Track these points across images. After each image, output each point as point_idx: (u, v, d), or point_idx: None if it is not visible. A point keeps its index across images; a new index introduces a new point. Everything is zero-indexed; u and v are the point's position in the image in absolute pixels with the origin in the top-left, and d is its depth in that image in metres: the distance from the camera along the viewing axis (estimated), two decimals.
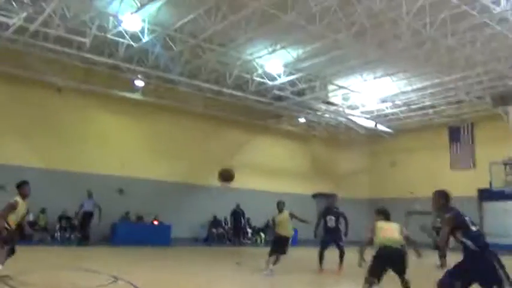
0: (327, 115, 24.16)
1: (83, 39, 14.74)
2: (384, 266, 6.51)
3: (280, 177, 25.92)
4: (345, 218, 11.36)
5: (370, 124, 23.74)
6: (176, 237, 19.57)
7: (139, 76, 18.72)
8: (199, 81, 18.79)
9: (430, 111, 22.91)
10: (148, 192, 20.13)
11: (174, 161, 21.72)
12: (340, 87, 19.92)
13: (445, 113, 23.04)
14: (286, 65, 17.84)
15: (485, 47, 15.19)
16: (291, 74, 18.66)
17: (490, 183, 19.82)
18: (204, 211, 22.52)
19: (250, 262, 12.70)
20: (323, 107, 22.77)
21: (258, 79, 19.17)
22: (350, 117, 23.40)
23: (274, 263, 10.07)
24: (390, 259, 6.53)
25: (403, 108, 22.96)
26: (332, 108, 22.82)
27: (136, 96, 20.08)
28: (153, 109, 21.06)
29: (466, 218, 5.51)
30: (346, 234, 11.15)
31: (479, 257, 5.20)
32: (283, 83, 19.44)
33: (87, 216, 17.05)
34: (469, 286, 5.25)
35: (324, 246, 11.18)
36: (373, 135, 25.91)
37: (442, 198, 5.88)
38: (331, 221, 11.20)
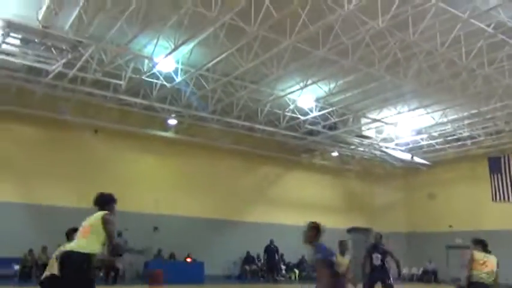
0: (360, 148, 23.79)
1: (119, 82, 15.11)
2: None
3: (314, 212, 25.15)
4: (392, 256, 10.45)
5: (406, 156, 23.20)
6: (209, 274, 19.31)
7: (172, 115, 18.98)
8: (231, 118, 18.89)
9: (468, 142, 22.26)
10: (181, 229, 20.05)
11: (207, 197, 21.68)
12: (374, 120, 19.63)
13: (483, 143, 22.34)
14: (318, 100, 17.80)
15: None
16: (323, 108, 18.57)
17: None
18: (237, 247, 22.24)
19: None
20: (356, 140, 22.46)
21: (290, 114, 19.14)
22: (385, 149, 22.93)
23: None
24: None
25: (439, 140, 22.41)
26: (366, 141, 22.47)
27: (170, 134, 20.34)
28: (185, 147, 21.22)
29: None
30: (399, 274, 10.26)
31: None
32: (315, 117, 19.32)
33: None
34: None
35: (370, 285, 10.35)
36: (408, 167, 25.28)
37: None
38: (377, 259, 10.35)
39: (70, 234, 6.64)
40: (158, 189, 20.40)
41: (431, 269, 25.23)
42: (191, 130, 20.50)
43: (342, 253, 9.37)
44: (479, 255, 6.71)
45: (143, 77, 15.45)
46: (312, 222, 6.23)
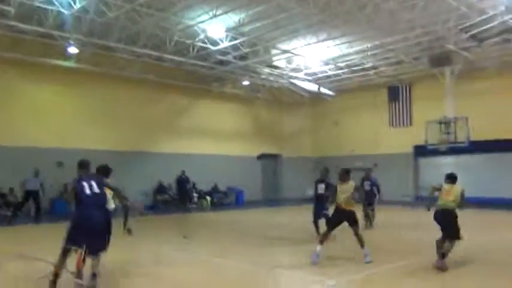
0: (270, 78, 24.06)
1: (6, 8, 13.46)
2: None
3: (226, 140, 25.88)
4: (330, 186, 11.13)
5: (313, 87, 23.90)
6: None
7: (71, 42, 17.51)
8: (137, 47, 17.91)
9: (371, 72, 23.36)
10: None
11: (114, 129, 21.01)
12: (284, 51, 19.73)
13: (384, 73, 23.60)
14: (228, 30, 17.34)
15: (424, 11, 15.43)
16: (233, 38, 18.21)
17: (426, 141, 20.73)
18: (149, 178, 22.20)
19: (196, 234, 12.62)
20: (267, 70, 22.62)
21: (200, 44, 18.58)
22: (293, 80, 23.40)
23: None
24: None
25: (345, 70, 23.24)
26: (276, 71, 22.72)
27: (71, 64, 18.92)
28: (89, 77, 19.97)
29: None
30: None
31: None
32: (226, 48, 18.96)
33: (32, 194, 15.97)
34: None
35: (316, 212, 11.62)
36: (316, 97, 26.17)
37: None
38: (321, 189, 11.55)
39: None
40: (60, 123, 19.32)
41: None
42: (95, 59, 19.22)
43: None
44: (446, 186, 8.20)
45: (36, 3, 13.86)
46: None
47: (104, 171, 7.51)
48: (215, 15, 15.48)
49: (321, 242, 8.16)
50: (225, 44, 18.37)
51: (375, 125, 26.09)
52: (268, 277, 7.15)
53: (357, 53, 20.66)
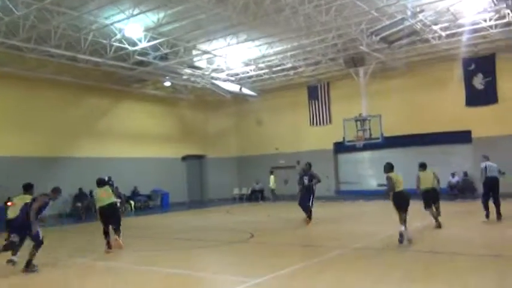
0: (192, 79, 23.92)
1: None
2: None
3: (148, 142, 25.35)
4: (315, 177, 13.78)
5: (235, 88, 24.08)
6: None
7: None
8: (49, 46, 17.00)
9: (291, 72, 23.99)
10: (2, 171, 18.12)
11: (28, 134, 19.84)
12: (205, 51, 19.70)
13: (304, 73, 24.33)
14: (147, 30, 16.99)
15: (338, 14, 16.12)
16: (153, 38, 17.87)
17: (344, 138, 21.69)
18: (68, 185, 21.07)
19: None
20: (188, 71, 22.47)
21: (117, 44, 18.02)
22: (215, 81, 23.44)
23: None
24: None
25: (266, 70, 23.67)
26: (197, 72, 22.63)
27: None
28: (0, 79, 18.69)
29: None
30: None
31: None
32: (145, 48, 18.55)
33: None
34: None
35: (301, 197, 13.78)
36: (240, 96, 26.39)
37: None
38: (306, 180, 13.64)
39: None
40: None
41: (258, 188, 27.59)
42: (3, 59, 17.98)
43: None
44: (422, 174, 11.26)
45: None
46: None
47: (24, 188, 8.81)
48: (132, 15, 15.09)
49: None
50: (143, 44, 17.97)
51: (296, 123, 26.83)
52: (195, 282, 7.11)
53: (276, 53, 21.12)
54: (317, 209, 15.61)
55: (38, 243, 8.08)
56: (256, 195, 27.33)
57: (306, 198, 13.59)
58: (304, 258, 8.25)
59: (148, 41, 17.85)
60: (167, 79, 23.73)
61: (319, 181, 13.82)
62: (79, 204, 21.27)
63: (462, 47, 20.24)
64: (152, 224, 16.91)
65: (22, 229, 8.03)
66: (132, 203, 23.22)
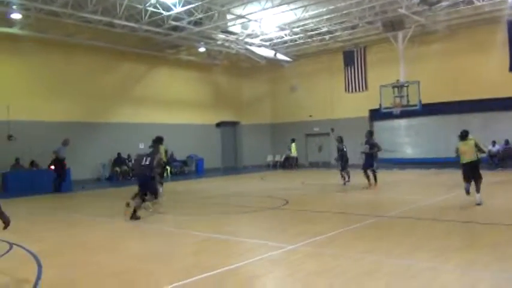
0: (226, 44, 23.73)
1: None
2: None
3: (183, 109, 25.60)
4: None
5: (270, 54, 23.78)
6: (77, 179, 18.76)
7: (14, 7, 16.59)
8: (86, 12, 17.15)
9: (327, 36, 23.42)
10: (41, 136, 18.76)
11: (66, 100, 20.39)
12: (239, 16, 19.42)
13: (340, 38, 23.72)
14: None
15: None
16: (187, 3, 17.73)
17: (380, 105, 21.19)
18: (106, 150, 21.79)
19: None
20: (222, 36, 22.27)
21: (152, 9, 18.00)
22: (249, 47, 23.16)
23: None
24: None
25: (300, 35, 23.20)
26: (231, 37, 22.40)
27: (15, 30, 17.97)
28: (37, 45, 19.11)
29: None
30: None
31: None
32: (179, 13, 18.46)
33: None
34: None
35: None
36: (274, 62, 26.09)
37: None
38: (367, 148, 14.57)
39: None
40: (8, 94, 18.44)
41: (292, 155, 27.51)
42: (41, 25, 18.32)
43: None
44: (462, 145, 10.14)
45: None
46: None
47: None
48: None
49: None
50: (178, 9, 17.88)
51: (332, 90, 26.39)
52: (232, 246, 7.25)
53: (312, 17, 20.61)
54: (352, 177, 15.56)
55: None
56: (290, 162, 27.33)
57: (367, 164, 14.46)
58: (339, 225, 8.23)
59: (183, 6, 17.75)
60: (201, 45, 23.66)
61: (379, 150, 14.70)
62: (117, 169, 21.93)
63: (507, 9, 19.18)
64: (189, 190, 17.25)
65: None
66: (168, 168, 23.67)
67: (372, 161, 14.42)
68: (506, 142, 20.62)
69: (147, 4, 17.59)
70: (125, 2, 17.02)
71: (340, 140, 15.99)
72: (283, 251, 6.44)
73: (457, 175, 10.66)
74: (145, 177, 10.09)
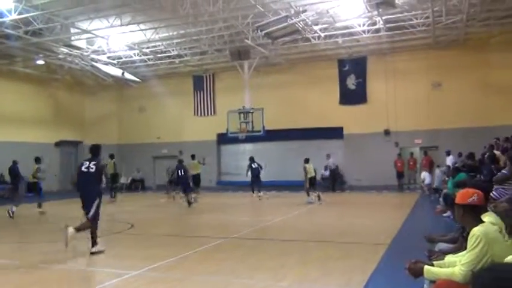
0: (69, 59, 22.29)
1: None
2: None
3: (17, 125, 23.11)
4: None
5: (117, 72, 22.99)
6: None
7: None
8: None
9: (177, 60, 23.59)
10: None
11: None
12: (84, 30, 18.44)
13: (190, 62, 24.10)
14: (19, 0, 15.39)
15: (226, 5, 16.19)
16: (25, 11, 16.22)
17: (227, 129, 21.94)
18: None
19: None
20: (65, 50, 20.88)
21: None
22: (95, 63, 22.12)
23: None
24: None
25: (150, 56, 22.98)
26: (75, 52, 21.14)
27: None
28: None
29: None
30: None
31: None
32: (15, 21, 16.79)
33: None
34: None
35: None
36: (121, 81, 25.26)
37: None
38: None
39: None
40: None
41: (139, 177, 26.83)
42: None
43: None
44: (308, 165, 16.29)
45: None
46: None
47: None
48: None
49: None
50: (13, 17, 16.23)
51: (181, 112, 26.52)
52: (65, 276, 6.64)
53: (162, 40, 20.58)
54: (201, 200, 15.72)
55: None
56: (137, 185, 26.54)
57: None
58: (185, 248, 8.20)
59: (20, 14, 16.18)
60: (40, 57, 21.81)
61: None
62: None
63: (338, 48, 21.78)
64: (29, 214, 15.50)
65: None
66: None
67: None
68: (336, 167, 23.00)
69: None
70: None
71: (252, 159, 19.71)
72: (123, 279, 6.15)
73: (297, 197, 11.50)
74: None
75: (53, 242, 8.77)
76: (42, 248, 9.02)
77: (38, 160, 15.71)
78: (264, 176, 20.31)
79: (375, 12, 17.15)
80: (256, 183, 19.54)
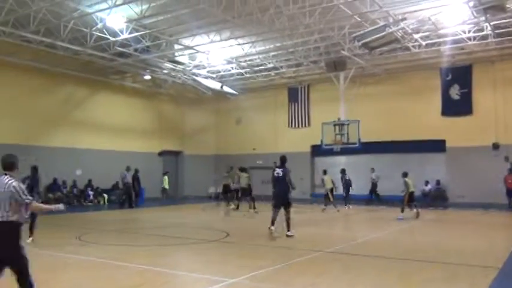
0: (173, 74, 23.69)
1: None
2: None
3: (125, 136, 24.98)
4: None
5: (216, 86, 23.97)
6: None
7: None
8: (27, 32, 16.57)
9: (272, 72, 24.00)
10: None
11: (2, 121, 19.28)
12: (187, 47, 19.52)
13: (285, 74, 24.39)
14: (129, 21, 16.74)
15: (322, 17, 16.18)
16: (134, 30, 17.61)
17: (321, 141, 21.74)
18: (43, 174, 20.59)
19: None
20: (169, 65, 22.25)
21: (98, 33, 17.70)
22: (196, 77, 23.27)
23: None
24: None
25: (247, 69, 23.64)
26: (178, 67, 22.43)
27: None
28: None
29: None
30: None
31: None
32: (126, 39, 18.27)
33: None
34: None
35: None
36: (219, 94, 26.26)
37: None
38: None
39: None
40: None
41: (234, 188, 27.40)
42: None
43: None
44: (408, 179, 15.47)
45: None
46: None
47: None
48: (115, 5, 14.86)
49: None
50: (125, 36, 17.70)
51: (275, 124, 26.86)
52: (169, 280, 6.99)
53: (259, 53, 21.11)
54: (293, 215, 15.64)
55: None
56: (232, 195, 27.17)
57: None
58: (279, 259, 8.22)
59: (130, 33, 17.60)
60: (147, 72, 23.47)
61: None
62: (50, 195, 20.81)
63: (441, 57, 20.65)
64: (128, 219, 16.64)
65: None
66: (106, 196, 22.83)
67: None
68: (438, 182, 21.72)
69: (93, 28, 17.27)
70: (70, 25, 16.63)
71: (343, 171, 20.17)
72: (222, 285, 6.30)
73: (391, 211, 11.01)
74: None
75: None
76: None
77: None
78: (358, 189, 19.89)
79: (482, 18, 16.07)
80: (347, 196, 19.83)
